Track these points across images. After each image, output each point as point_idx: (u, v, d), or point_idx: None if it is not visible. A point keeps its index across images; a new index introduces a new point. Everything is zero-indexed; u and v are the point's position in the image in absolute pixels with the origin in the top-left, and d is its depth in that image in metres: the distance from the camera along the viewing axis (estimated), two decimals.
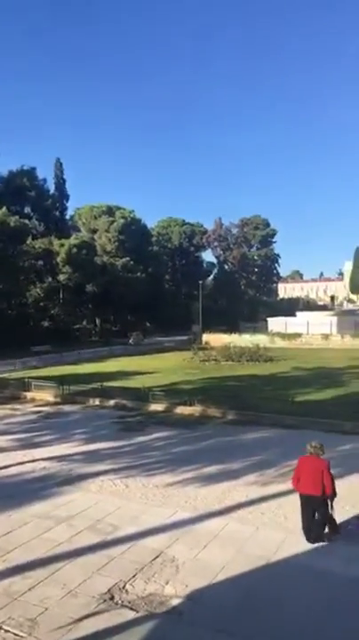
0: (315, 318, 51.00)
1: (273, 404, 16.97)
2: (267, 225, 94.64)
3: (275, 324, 51.83)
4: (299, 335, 46.41)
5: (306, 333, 46.60)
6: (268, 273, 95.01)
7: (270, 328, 51.11)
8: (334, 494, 7.72)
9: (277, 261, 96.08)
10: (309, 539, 7.73)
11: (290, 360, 32.82)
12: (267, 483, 10.41)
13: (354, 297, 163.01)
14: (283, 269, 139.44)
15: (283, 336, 46.82)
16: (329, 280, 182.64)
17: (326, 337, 45.12)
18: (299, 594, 6.40)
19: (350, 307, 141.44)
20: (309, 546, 7.61)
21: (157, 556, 7.38)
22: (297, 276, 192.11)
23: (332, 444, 13.08)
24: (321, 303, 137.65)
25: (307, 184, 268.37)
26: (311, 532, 7.76)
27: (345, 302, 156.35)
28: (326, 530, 7.78)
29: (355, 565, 7.05)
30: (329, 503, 7.73)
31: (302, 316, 53.50)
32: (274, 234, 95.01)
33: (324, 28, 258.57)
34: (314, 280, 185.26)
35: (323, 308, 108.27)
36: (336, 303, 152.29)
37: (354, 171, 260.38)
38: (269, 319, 54.01)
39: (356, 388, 20.52)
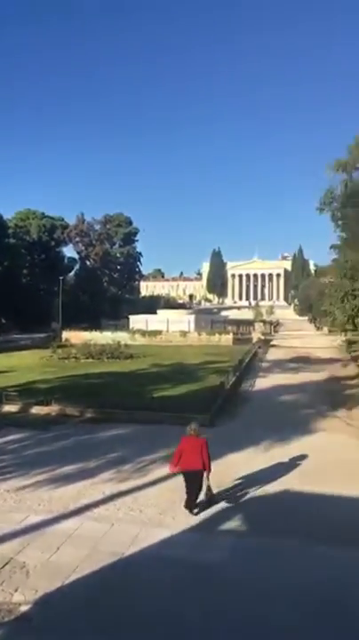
0: (174, 316, 52.94)
1: (132, 400, 17.17)
2: (130, 223, 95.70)
3: (136, 321, 52.61)
4: (159, 332, 47.69)
5: (166, 331, 48.03)
6: (131, 271, 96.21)
7: (132, 325, 51.71)
8: (210, 468, 8.93)
9: (139, 259, 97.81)
10: (193, 509, 8.79)
11: (150, 357, 33.51)
12: (124, 479, 10.56)
13: (210, 296, 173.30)
14: (145, 268, 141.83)
15: (144, 333, 47.69)
16: (188, 280, 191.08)
17: (184, 334, 47.05)
18: (149, 582, 6.64)
19: (207, 305, 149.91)
20: (161, 536, 7.92)
21: (6, 563, 7.06)
22: (158, 275, 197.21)
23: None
24: (181, 301, 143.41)
25: (171, 185, 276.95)
26: (194, 504, 8.84)
27: (202, 301, 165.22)
28: (203, 498, 8.95)
29: (198, 551, 7.54)
30: (206, 475, 8.93)
31: (163, 314, 55.10)
32: (136, 232, 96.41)
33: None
34: (174, 279, 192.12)
35: (183, 306, 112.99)
36: (194, 302, 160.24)
37: (213, 172, 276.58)
38: (131, 317, 54.64)
39: (210, 383, 21.76)
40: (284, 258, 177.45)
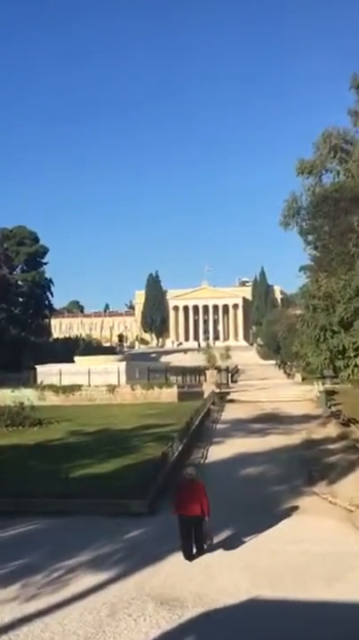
0: (98, 365, 52.52)
1: (42, 483, 16.84)
2: (36, 240, 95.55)
3: (46, 373, 51.75)
4: (78, 388, 47.11)
5: (87, 385, 47.56)
6: (38, 304, 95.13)
7: (40, 379, 50.83)
8: (209, 514, 11.63)
9: (50, 289, 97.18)
10: (190, 557, 11.52)
11: (66, 422, 33.01)
12: (32, 596, 10.22)
13: (146, 336, 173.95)
14: (58, 299, 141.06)
15: (58, 389, 47.01)
16: (117, 315, 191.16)
17: (113, 389, 46.77)
18: None
19: (143, 349, 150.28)
20: None
21: None
22: (76, 309, 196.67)
23: (119, 530, 13.64)
24: (107, 344, 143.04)
25: (88, 191, 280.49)
26: (192, 550, 11.63)
27: (136, 343, 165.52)
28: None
29: None
30: (206, 521, 11.64)
31: (82, 362, 54.57)
32: (44, 252, 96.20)
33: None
34: (98, 314, 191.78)
35: (110, 350, 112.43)
36: (125, 344, 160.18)
37: (147, 173, 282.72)
38: (39, 367, 53.70)
39: (148, 455, 21.62)
40: (243, 284, 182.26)
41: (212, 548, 12.02)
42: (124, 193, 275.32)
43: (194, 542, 11.75)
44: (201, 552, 11.77)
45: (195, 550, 11.73)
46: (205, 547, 11.82)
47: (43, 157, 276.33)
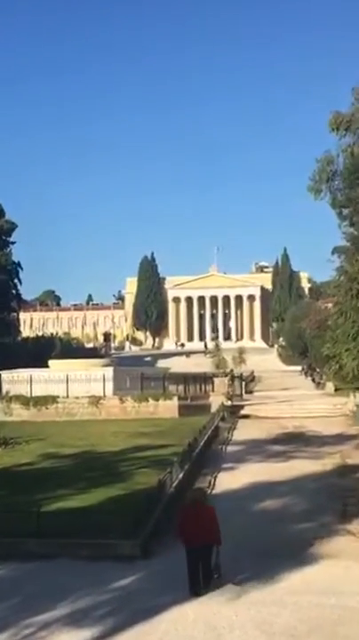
0: (79, 371, 52.36)
1: (8, 519, 16.78)
2: (1, 213, 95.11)
3: (13, 380, 51.62)
4: (52, 399, 47.05)
5: (64, 396, 47.51)
6: (2, 293, 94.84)
7: (5, 388, 50.78)
8: (220, 542, 12.60)
9: (18, 275, 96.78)
10: (198, 592, 12.23)
11: (37, 442, 33.04)
12: None
13: (139, 335, 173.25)
14: (29, 289, 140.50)
15: (27, 401, 47.08)
16: (102, 308, 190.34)
17: (97, 401, 46.67)
18: None
19: (134, 351, 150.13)
20: None
21: None
22: (51, 301, 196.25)
23: (105, 577, 13.66)
24: (90, 345, 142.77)
25: (63, 164, 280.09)
26: (199, 583, 12.40)
27: (126, 344, 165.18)
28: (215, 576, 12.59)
29: None
30: (217, 550, 12.54)
31: (58, 368, 54.49)
32: (11, 229, 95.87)
33: None
34: (78, 307, 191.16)
35: (94, 352, 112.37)
36: (113, 345, 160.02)
37: (133, 149, 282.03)
38: (3, 373, 53.59)
39: (140, 484, 21.62)
40: (261, 269, 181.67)
41: (220, 603, 12.05)
42: (116, 157, 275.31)
43: (201, 574, 12.54)
44: (209, 585, 12.55)
45: (202, 584, 12.50)
46: (215, 577, 12.64)
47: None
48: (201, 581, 12.50)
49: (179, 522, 13.02)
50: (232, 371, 69.75)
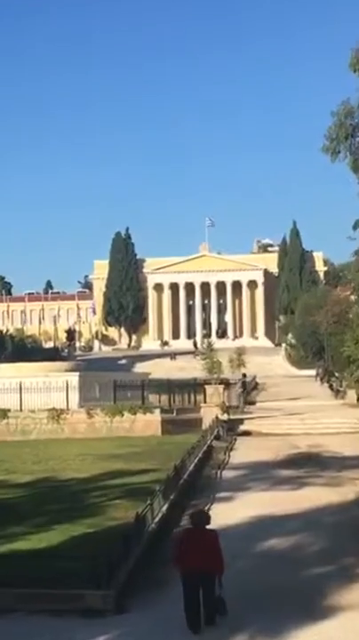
0: (35, 377, 52.39)
1: None
2: None
3: None
4: (3, 414, 47.05)
5: (17, 410, 47.54)
6: None
7: None
8: (222, 570, 12.90)
9: None
10: (197, 631, 12.53)
11: None
12: None
13: (112, 331, 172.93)
14: None
15: None
16: (64, 297, 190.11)
17: (58, 415, 46.71)
18: None
19: (106, 351, 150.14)
20: None
21: None
22: None
23: (70, 636, 13.61)
24: (50, 344, 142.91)
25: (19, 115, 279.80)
26: (199, 620, 12.65)
27: (96, 343, 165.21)
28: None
29: None
30: (219, 581, 12.79)
31: (9, 373, 54.54)
32: None
33: None
34: (34, 297, 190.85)
35: (55, 353, 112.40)
36: (79, 344, 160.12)
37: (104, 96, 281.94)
38: None
39: (113, 520, 21.68)
40: (265, 249, 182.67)
41: None
42: (83, 108, 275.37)
43: (202, 608, 12.75)
44: (212, 622, 12.83)
45: (203, 619, 12.75)
46: (218, 617, 12.83)
47: None
48: (201, 618, 12.68)
49: (176, 545, 13.54)
50: (228, 377, 69.95)
